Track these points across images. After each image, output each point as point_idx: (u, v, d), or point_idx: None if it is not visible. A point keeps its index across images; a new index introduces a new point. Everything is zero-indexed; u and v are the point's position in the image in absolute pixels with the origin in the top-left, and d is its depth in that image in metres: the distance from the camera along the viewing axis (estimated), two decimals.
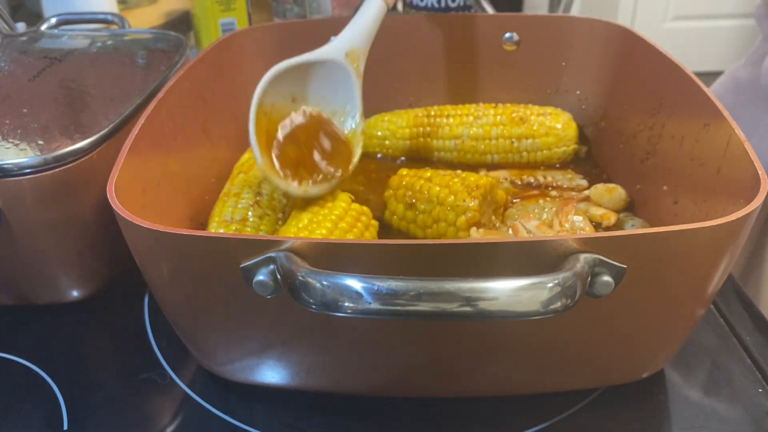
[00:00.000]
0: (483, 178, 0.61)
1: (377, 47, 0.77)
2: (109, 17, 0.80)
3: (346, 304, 0.36)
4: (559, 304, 0.36)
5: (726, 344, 0.55)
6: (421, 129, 0.75)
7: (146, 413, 0.51)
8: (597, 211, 0.63)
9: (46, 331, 0.59)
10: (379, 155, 0.77)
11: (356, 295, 0.36)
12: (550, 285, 0.35)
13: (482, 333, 0.44)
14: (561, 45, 0.76)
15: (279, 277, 0.38)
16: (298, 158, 0.57)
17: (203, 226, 0.61)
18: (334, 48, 0.61)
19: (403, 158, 0.77)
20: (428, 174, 0.64)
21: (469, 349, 0.46)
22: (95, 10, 0.92)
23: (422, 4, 0.99)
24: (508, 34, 0.77)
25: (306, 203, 0.59)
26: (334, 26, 0.76)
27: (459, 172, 0.63)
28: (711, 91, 0.55)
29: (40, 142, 0.52)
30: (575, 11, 1.12)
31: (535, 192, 0.68)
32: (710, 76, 1.02)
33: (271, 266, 0.38)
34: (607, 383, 0.52)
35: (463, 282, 0.35)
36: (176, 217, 0.57)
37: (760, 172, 0.43)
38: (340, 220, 0.57)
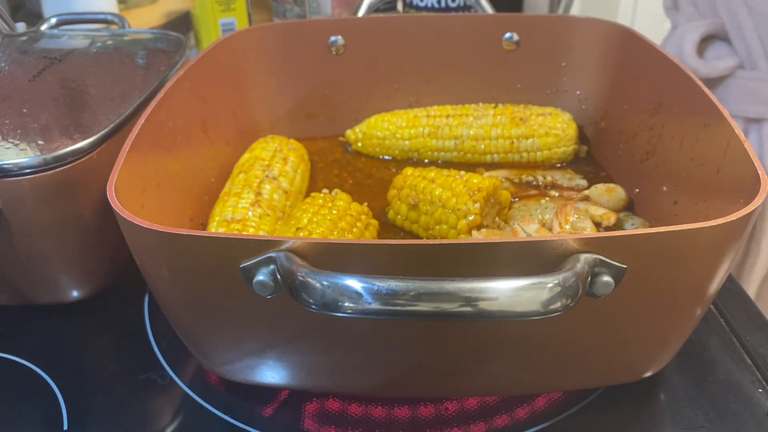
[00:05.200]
0: (486, 180, 0.61)
1: (377, 47, 0.77)
2: (109, 17, 0.80)
3: (346, 304, 0.36)
4: (559, 304, 0.36)
5: (726, 344, 0.55)
6: (421, 129, 0.75)
7: (146, 413, 0.51)
8: (597, 211, 0.63)
9: (46, 331, 0.59)
10: (380, 156, 0.77)
11: (356, 295, 0.35)
12: (551, 285, 0.35)
13: (482, 333, 0.44)
14: (561, 45, 0.76)
15: (279, 277, 0.38)
16: None
17: (203, 226, 0.61)
18: None
19: (401, 158, 0.77)
20: (432, 174, 0.63)
21: (469, 349, 0.46)
22: (95, 10, 0.92)
23: (422, 4, 0.99)
24: (508, 34, 0.77)
25: (305, 203, 0.60)
26: (334, 26, 0.77)
27: (463, 173, 0.62)
28: None
29: (40, 142, 0.52)
30: (575, 11, 1.12)
31: (535, 192, 0.68)
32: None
33: (271, 266, 0.38)
34: (607, 383, 0.52)
35: (463, 282, 0.35)
36: (176, 217, 0.57)
37: (760, 172, 0.43)
38: (340, 219, 0.57)
